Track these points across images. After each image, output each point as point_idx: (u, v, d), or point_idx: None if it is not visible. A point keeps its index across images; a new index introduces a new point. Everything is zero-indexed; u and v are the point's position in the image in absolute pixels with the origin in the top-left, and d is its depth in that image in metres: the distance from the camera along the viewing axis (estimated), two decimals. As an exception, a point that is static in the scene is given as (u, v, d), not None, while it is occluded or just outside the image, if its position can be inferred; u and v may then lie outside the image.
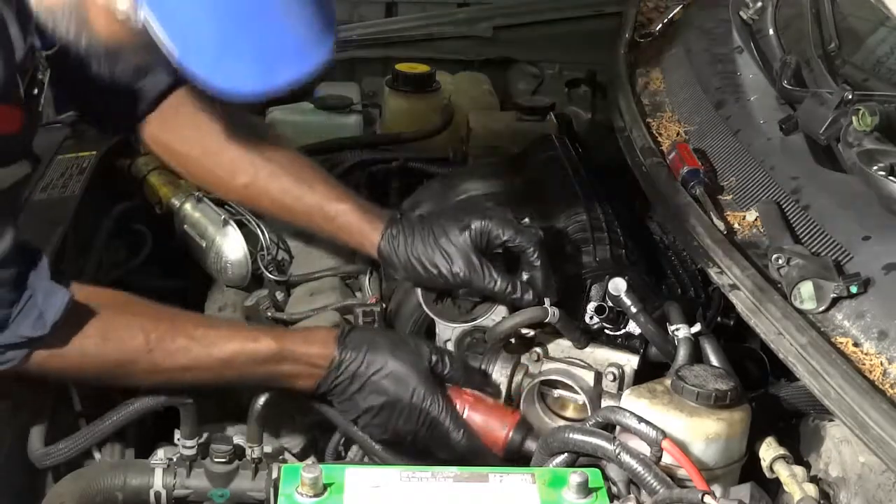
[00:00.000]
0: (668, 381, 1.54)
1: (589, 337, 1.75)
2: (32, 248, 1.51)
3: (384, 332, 1.74)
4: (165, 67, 1.51)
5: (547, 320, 1.70)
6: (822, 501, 1.44)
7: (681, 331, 1.69)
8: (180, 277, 2.32)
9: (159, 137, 1.86)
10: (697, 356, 1.68)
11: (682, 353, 1.67)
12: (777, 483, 1.50)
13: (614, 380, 1.72)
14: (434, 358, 1.65)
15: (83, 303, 1.52)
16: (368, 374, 1.61)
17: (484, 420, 1.64)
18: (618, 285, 1.73)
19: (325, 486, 1.36)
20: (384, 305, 1.94)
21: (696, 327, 1.69)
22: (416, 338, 1.73)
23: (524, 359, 1.74)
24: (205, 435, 1.64)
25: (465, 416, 1.64)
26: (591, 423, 1.51)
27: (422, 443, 1.63)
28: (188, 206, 2.18)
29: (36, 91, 1.51)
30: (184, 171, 1.94)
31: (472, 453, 1.61)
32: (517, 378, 1.72)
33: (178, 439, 1.64)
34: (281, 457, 1.71)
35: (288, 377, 1.62)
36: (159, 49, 1.28)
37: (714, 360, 1.68)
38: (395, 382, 1.61)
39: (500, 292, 1.72)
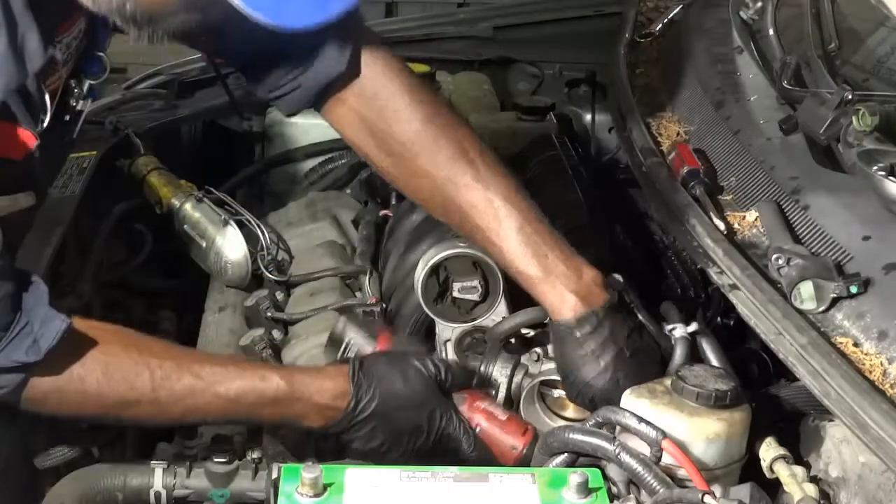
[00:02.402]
0: (668, 381, 1.54)
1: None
2: (31, 276, 1.44)
3: (390, 357, 1.66)
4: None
5: (547, 321, 1.70)
6: (822, 501, 1.44)
7: (677, 330, 1.70)
8: (180, 277, 2.33)
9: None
10: (695, 355, 1.69)
11: (679, 353, 1.67)
12: (777, 483, 1.50)
13: (614, 380, 1.72)
14: (442, 372, 1.62)
15: (85, 337, 1.45)
16: (386, 410, 1.57)
17: (498, 435, 1.63)
18: (615, 281, 1.73)
19: (325, 486, 1.36)
20: (384, 305, 1.94)
21: (693, 326, 1.70)
22: (418, 352, 1.68)
23: (524, 359, 1.74)
24: (205, 435, 1.64)
25: (479, 429, 1.63)
26: (591, 423, 1.51)
27: (432, 454, 1.61)
28: (188, 206, 2.18)
29: (68, 117, 1.46)
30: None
31: (480, 464, 1.61)
32: (517, 378, 1.72)
33: (178, 439, 1.64)
34: (281, 457, 1.71)
35: (297, 417, 1.58)
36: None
37: (714, 360, 1.68)
38: (412, 411, 1.58)
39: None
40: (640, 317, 1.72)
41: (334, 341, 1.74)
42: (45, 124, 1.43)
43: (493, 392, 1.70)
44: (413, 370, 1.60)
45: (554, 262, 1.63)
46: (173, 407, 1.50)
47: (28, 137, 1.40)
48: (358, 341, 1.73)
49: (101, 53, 1.50)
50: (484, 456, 1.62)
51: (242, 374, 1.53)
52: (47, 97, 1.42)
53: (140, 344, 1.52)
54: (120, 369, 1.46)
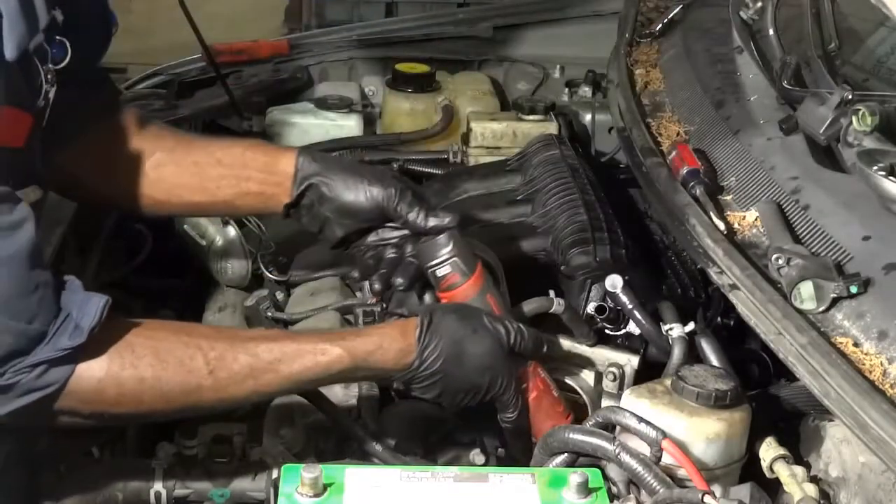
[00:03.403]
0: (668, 381, 1.54)
1: (595, 332, 1.76)
2: (62, 274, 1.42)
3: (462, 314, 1.59)
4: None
5: (552, 310, 1.70)
6: (822, 501, 1.44)
7: (674, 330, 1.70)
8: (180, 277, 2.33)
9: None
10: (693, 354, 1.69)
11: (677, 353, 1.67)
12: (777, 483, 1.50)
13: (614, 380, 1.72)
14: (513, 336, 1.58)
15: (129, 324, 1.43)
16: (449, 369, 1.54)
17: (546, 410, 1.64)
18: (615, 282, 1.73)
19: (325, 486, 1.36)
20: (384, 305, 1.94)
21: (690, 326, 1.70)
22: (494, 315, 1.63)
23: (524, 359, 1.74)
24: (205, 435, 1.64)
25: (533, 395, 1.62)
26: (591, 423, 1.51)
27: (475, 409, 1.60)
28: (188, 206, 2.17)
29: (42, 104, 1.43)
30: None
31: (511, 432, 1.61)
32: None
33: (178, 439, 1.64)
34: (281, 457, 1.71)
35: (360, 381, 1.60)
36: None
37: (714, 360, 1.68)
38: (476, 373, 1.56)
39: (412, 221, 1.70)
40: (638, 316, 1.72)
41: (433, 248, 1.67)
42: (49, 95, 1.42)
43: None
44: (483, 331, 1.57)
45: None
46: (234, 389, 1.46)
47: (25, 119, 1.38)
48: (456, 264, 1.66)
49: (62, 38, 1.46)
50: (522, 428, 1.62)
51: (302, 352, 1.49)
52: (43, 72, 1.41)
53: (188, 329, 1.51)
54: (172, 352, 1.43)
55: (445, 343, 1.54)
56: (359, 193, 1.72)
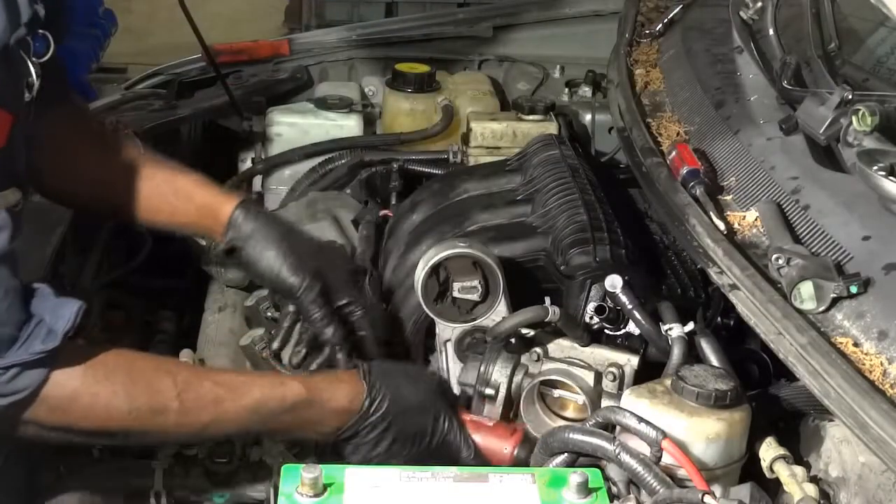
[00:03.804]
0: (668, 381, 1.54)
1: (591, 334, 1.76)
2: (31, 284, 1.41)
3: (392, 363, 1.72)
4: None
5: (548, 319, 1.70)
6: (822, 501, 1.44)
7: (674, 330, 1.70)
8: (180, 277, 2.33)
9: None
10: (693, 354, 1.69)
11: (677, 353, 1.67)
12: (777, 483, 1.50)
13: (614, 380, 1.72)
14: (436, 379, 1.67)
15: (104, 346, 1.45)
16: (396, 410, 1.59)
17: (488, 442, 1.65)
18: (614, 282, 1.73)
19: (325, 486, 1.36)
20: (384, 306, 1.94)
21: (689, 326, 1.70)
22: (413, 364, 1.75)
23: (524, 359, 1.74)
24: (205, 435, 1.64)
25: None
26: (591, 423, 1.52)
27: (428, 460, 1.61)
28: (188, 206, 2.17)
29: (29, 98, 1.42)
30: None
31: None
32: (517, 378, 1.72)
33: (178, 439, 1.64)
34: (281, 457, 1.71)
35: (313, 423, 1.58)
36: None
37: (714, 360, 1.68)
38: (420, 413, 1.60)
39: (313, 322, 1.77)
40: (638, 316, 1.72)
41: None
42: (35, 89, 1.41)
43: (493, 392, 1.71)
44: (419, 372, 1.65)
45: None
46: (197, 414, 1.48)
47: (5, 118, 1.36)
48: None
49: (44, 31, 1.44)
50: (478, 461, 1.62)
51: (262, 382, 1.55)
52: (31, 66, 1.40)
53: (158, 357, 1.57)
54: (143, 374, 1.47)
55: (388, 386, 1.59)
56: (272, 270, 1.77)
